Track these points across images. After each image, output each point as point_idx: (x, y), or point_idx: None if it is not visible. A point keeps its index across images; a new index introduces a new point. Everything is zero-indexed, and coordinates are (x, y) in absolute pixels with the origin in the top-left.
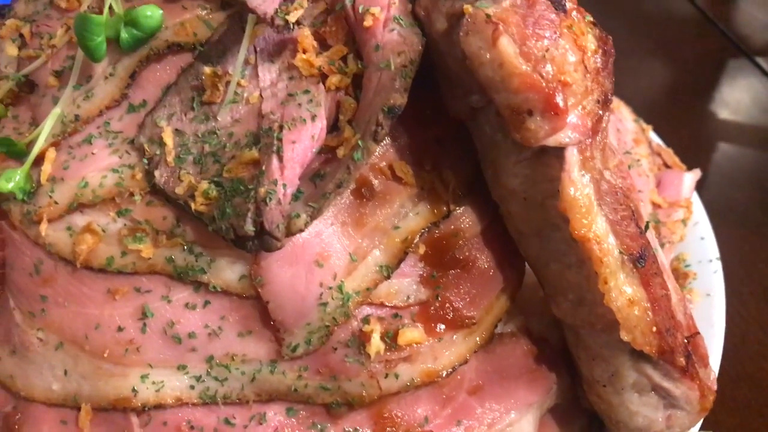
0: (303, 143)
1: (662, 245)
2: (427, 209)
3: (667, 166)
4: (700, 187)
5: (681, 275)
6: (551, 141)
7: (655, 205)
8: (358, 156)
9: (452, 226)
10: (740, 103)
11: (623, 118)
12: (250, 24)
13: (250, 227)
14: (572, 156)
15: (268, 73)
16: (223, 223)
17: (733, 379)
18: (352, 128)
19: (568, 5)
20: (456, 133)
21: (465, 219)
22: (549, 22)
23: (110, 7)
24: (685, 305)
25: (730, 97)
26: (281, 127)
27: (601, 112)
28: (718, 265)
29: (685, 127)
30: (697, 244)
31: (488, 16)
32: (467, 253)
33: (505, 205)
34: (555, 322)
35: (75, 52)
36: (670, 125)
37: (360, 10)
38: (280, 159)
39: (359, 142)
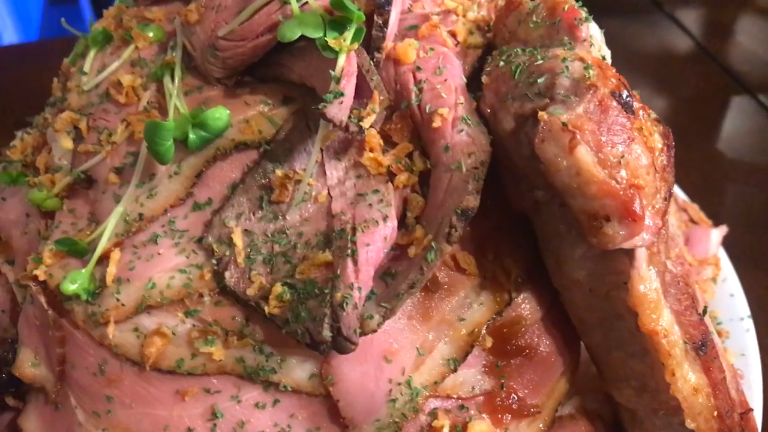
0: (376, 245)
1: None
2: (490, 299)
3: (693, 221)
4: None
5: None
6: (627, 245)
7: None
8: (432, 257)
9: (514, 314)
10: (747, 143)
11: None
12: (323, 129)
13: (327, 333)
14: (641, 253)
15: (335, 171)
16: (298, 327)
17: None
18: (423, 227)
19: (636, 105)
20: (514, 220)
21: (526, 306)
22: (621, 127)
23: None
24: (737, 381)
25: (737, 137)
26: (354, 229)
27: (666, 206)
28: (749, 324)
29: (697, 170)
30: (726, 301)
31: (564, 124)
32: (529, 340)
33: (567, 294)
34: (607, 398)
35: (136, 149)
36: (682, 168)
37: (427, 110)
38: (355, 262)
39: (432, 244)
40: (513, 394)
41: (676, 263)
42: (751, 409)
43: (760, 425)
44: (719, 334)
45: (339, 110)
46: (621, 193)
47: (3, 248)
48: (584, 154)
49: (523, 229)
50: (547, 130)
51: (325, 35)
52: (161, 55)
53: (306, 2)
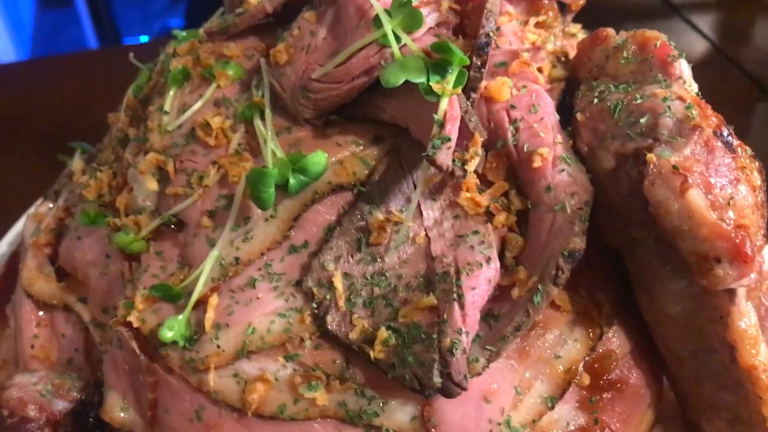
0: (481, 288)
1: None
2: (583, 334)
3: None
4: None
5: None
6: (736, 285)
7: None
8: (538, 300)
9: (605, 348)
10: None
11: None
12: (424, 172)
13: (437, 379)
14: (741, 289)
15: (431, 212)
16: (405, 372)
17: None
18: (525, 269)
19: (735, 143)
20: (604, 254)
21: (615, 340)
22: (727, 168)
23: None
24: None
25: (762, 143)
26: (458, 273)
27: (765, 241)
28: None
29: None
30: None
31: (675, 167)
32: (620, 374)
33: (659, 328)
34: (686, 424)
35: (228, 191)
36: None
37: (525, 150)
38: (462, 306)
39: (539, 286)
40: (606, 428)
41: (767, 295)
42: None
43: None
44: None
45: (446, 156)
46: (732, 234)
47: (74, 286)
48: (696, 197)
49: (612, 262)
50: (657, 173)
51: (428, 79)
52: (244, 93)
53: (405, 45)
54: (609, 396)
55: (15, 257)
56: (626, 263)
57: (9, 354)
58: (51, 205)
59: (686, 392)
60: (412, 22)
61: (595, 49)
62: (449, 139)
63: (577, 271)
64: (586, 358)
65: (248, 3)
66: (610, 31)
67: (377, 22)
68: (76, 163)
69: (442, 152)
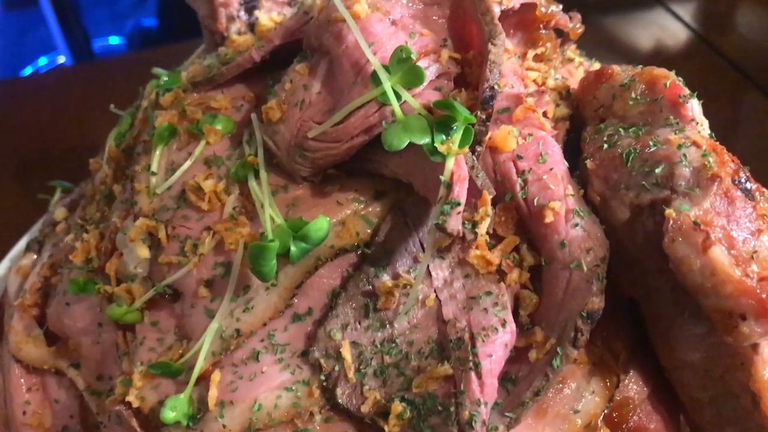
0: (498, 354)
1: None
2: (600, 385)
3: None
4: None
5: None
6: (763, 340)
7: None
8: (558, 363)
9: (622, 396)
10: (766, 141)
11: None
12: (432, 236)
13: None
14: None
15: (440, 271)
16: None
17: None
18: (542, 329)
19: (753, 187)
20: (617, 300)
21: (633, 386)
22: (748, 219)
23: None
24: None
25: (756, 140)
26: (473, 338)
27: None
28: None
29: None
30: None
31: (696, 223)
32: (638, 421)
33: (677, 374)
34: None
35: (225, 259)
36: None
37: (535, 203)
38: (479, 375)
39: (558, 349)
40: None
41: None
42: None
43: None
44: None
45: (457, 221)
46: (758, 291)
47: (66, 351)
48: (719, 254)
49: (627, 306)
50: (677, 229)
51: (432, 140)
52: (235, 149)
53: (405, 101)
54: None
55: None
56: (642, 309)
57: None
58: (35, 257)
59: None
60: (412, 78)
61: (600, 88)
62: (459, 204)
63: None
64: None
65: (232, 41)
66: (615, 68)
67: (375, 78)
68: (59, 211)
69: (453, 218)
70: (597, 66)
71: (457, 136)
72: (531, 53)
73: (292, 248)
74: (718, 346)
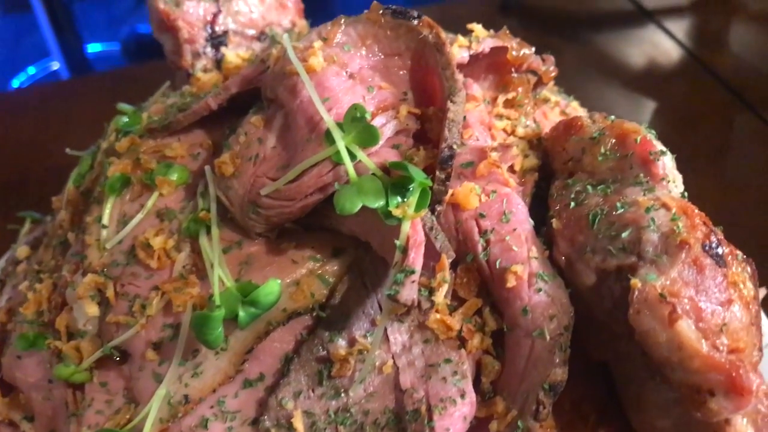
0: (456, 427)
1: None
2: None
3: None
4: None
5: None
6: (733, 415)
7: None
8: None
9: None
10: (756, 166)
11: None
12: (387, 304)
13: None
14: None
15: (398, 335)
16: None
17: None
18: (504, 400)
19: (725, 251)
20: (587, 360)
21: None
22: (718, 288)
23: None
24: None
25: (745, 159)
26: (430, 411)
27: (761, 355)
28: None
29: (710, 201)
30: None
31: (662, 295)
32: None
33: None
34: None
35: (174, 320)
36: (693, 196)
37: (497, 266)
38: None
39: (519, 423)
40: None
41: (763, 399)
42: None
43: None
44: None
45: (411, 290)
46: (727, 366)
47: (19, 403)
48: (686, 329)
49: (596, 368)
50: (642, 301)
51: (387, 203)
52: (189, 201)
53: (360, 161)
54: None
55: None
56: (612, 372)
57: None
58: None
59: None
60: (367, 138)
61: (570, 139)
62: (413, 272)
63: None
64: None
65: (197, 79)
66: (585, 120)
67: (329, 136)
68: (21, 249)
69: (406, 288)
70: (574, 105)
71: (413, 199)
72: (502, 98)
73: (241, 314)
74: (690, 413)
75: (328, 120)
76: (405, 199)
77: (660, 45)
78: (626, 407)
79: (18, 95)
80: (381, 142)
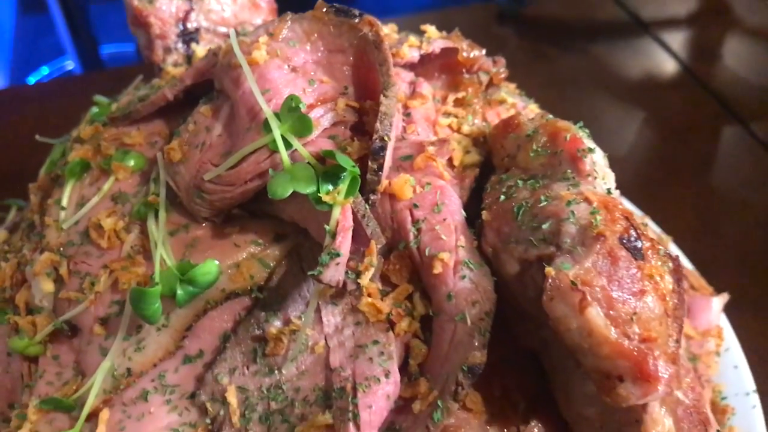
0: (378, 405)
1: (703, 387)
2: None
3: (693, 288)
4: (711, 276)
5: (719, 411)
6: (641, 402)
7: (688, 337)
8: (438, 416)
9: None
10: (740, 177)
11: None
12: (316, 286)
13: None
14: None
15: (332, 317)
16: None
17: None
18: (427, 381)
19: (645, 245)
20: (519, 348)
21: None
22: (631, 279)
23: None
24: None
25: (730, 170)
26: (355, 389)
27: (678, 346)
28: (756, 399)
29: (691, 209)
30: (731, 374)
31: (573, 283)
32: None
33: (577, 428)
34: None
35: (120, 297)
36: (676, 206)
37: (426, 253)
38: (357, 427)
39: (439, 402)
40: None
41: (687, 391)
42: None
43: None
44: (724, 411)
45: (335, 272)
46: (635, 353)
47: None
48: (595, 315)
49: (528, 356)
50: (555, 288)
51: (318, 190)
52: (143, 186)
53: (296, 150)
54: None
55: None
56: (541, 361)
57: None
58: None
59: None
60: (301, 127)
61: (507, 137)
62: (339, 254)
63: (491, 368)
64: None
65: (166, 73)
66: (522, 118)
67: (267, 125)
68: (0, 232)
69: (330, 269)
70: (532, 107)
71: (343, 186)
72: (452, 97)
73: (179, 292)
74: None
75: (266, 110)
76: (336, 186)
77: (654, 56)
78: (556, 396)
79: (18, 90)
80: (317, 132)
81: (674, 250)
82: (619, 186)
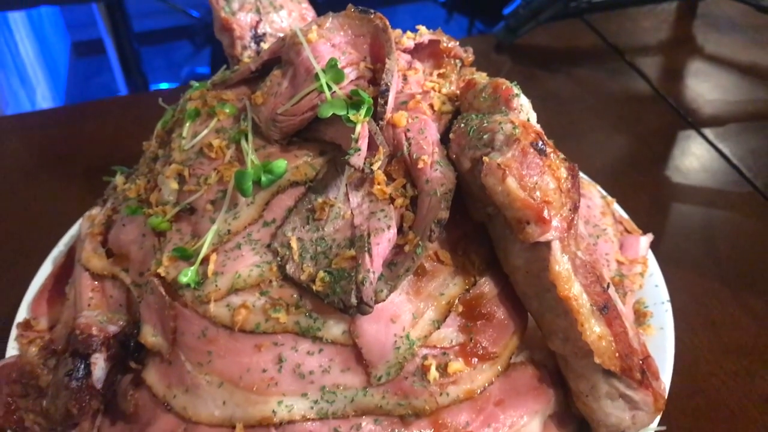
0: (383, 244)
1: (625, 293)
2: (461, 280)
3: (627, 231)
4: (658, 242)
5: (641, 315)
6: (542, 238)
7: (619, 263)
8: (419, 251)
9: (478, 291)
10: (690, 169)
11: (592, 196)
12: (347, 170)
13: (353, 301)
14: (556, 245)
15: (355, 198)
16: (334, 298)
17: (689, 393)
18: (413, 233)
19: (548, 150)
20: (477, 228)
21: (486, 286)
22: (536, 165)
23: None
24: (639, 337)
25: (682, 165)
26: (369, 235)
27: (572, 215)
28: (668, 306)
29: (646, 193)
30: (652, 291)
31: (499, 165)
32: (489, 309)
33: (512, 276)
34: (550, 353)
35: (224, 187)
36: (634, 191)
37: (414, 157)
38: (370, 256)
39: (420, 243)
40: (479, 345)
41: (585, 253)
42: (649, 356)
43: (670, 378)
44: (645, 315)
45: (358, 159)
46: (536, 206)
47: (119, 261)
48: (511, 182)
49: (483, 234)
50: (488, 168)
51: (347, 113)
52: (236, 124)
53: (335, 91)
54: (482, 323)
55: (71, 252)
56: (489, 233)
57: (69, 319)
58: (101, 209)
59: (537, 322)
60: (337, 77)
61: (468, 92)
62: (360, 150)
63: (457, 238)
64: (466, 297)
65: (243, 63)
66: (479, 79)
67: (317, 77)
68: (119, 178)
69: (355, 157)
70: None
71: (362, 111)
72: (436, 72)
73: (263, 178)
74: (531, 254)
75: (317, 67)
76: (358, 112)
77: (629, 78)
78: (498, 256)
79: (101, 104)
80: (346, 82)
81: (620, 211)
82: (591, 176)
